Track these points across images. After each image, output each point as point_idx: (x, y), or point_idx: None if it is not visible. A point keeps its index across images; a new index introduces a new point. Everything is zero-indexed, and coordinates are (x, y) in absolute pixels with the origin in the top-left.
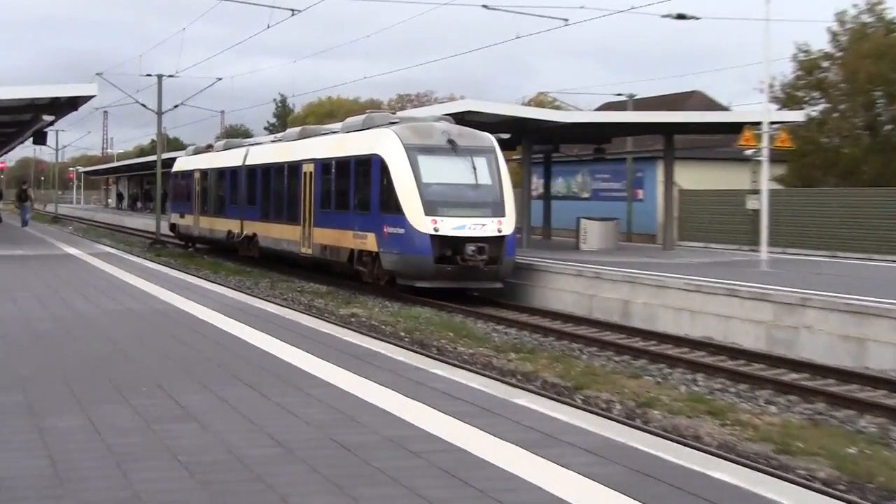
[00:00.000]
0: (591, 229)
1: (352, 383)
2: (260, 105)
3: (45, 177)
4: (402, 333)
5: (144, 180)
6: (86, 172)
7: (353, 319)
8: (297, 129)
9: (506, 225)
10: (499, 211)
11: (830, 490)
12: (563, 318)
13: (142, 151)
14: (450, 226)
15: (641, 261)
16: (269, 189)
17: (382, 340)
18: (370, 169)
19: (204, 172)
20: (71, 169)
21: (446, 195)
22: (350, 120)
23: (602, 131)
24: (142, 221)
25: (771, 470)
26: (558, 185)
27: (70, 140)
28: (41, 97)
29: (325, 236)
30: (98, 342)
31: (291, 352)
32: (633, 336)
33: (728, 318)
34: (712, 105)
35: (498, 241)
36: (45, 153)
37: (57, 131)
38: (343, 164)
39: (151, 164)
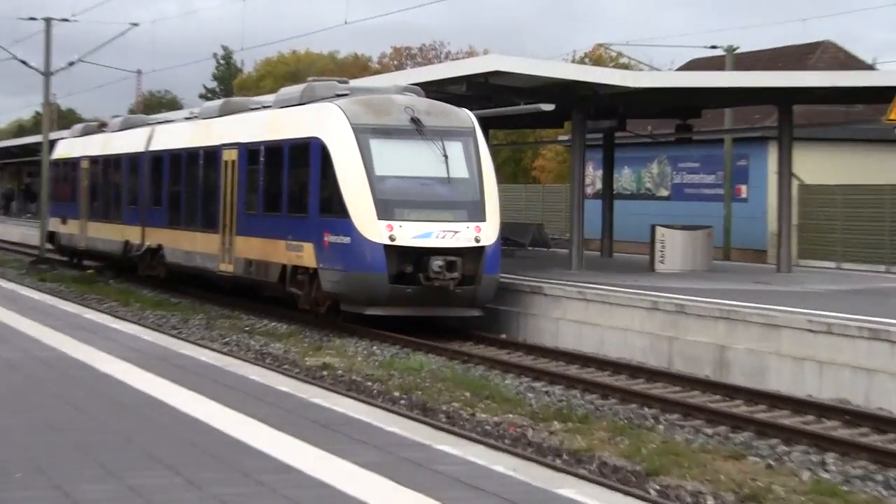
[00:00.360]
0: (673, 242)
1: (321, 466)
2: (194, 62)
3: None
4: (397, 393)
5: (24, 171)
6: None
7: (324, 373)
8: (217, 102)
9: (486, 232)
10: (477, 213)
11: None
12: (630, 371)
13: (20, 129)
14: (410, 233)
15: (745, 288)
16: (180, 184)
17: (367, 403)
18: (308, 157)
19: (94, 161)
20: None
21: (407, 192)
22: (285, 91)
23: (689, 100)
24: (19, 232)
25: None
26: (624, 178)
27: None
28: None
29: (251, 248)
30: None
31: (234, 419)
32: (732, 397)
33: (871, 372)
34: (849, 62)
35: (475, 253)
36: None
37: None
38: (274, 150)
39: (35, 149)
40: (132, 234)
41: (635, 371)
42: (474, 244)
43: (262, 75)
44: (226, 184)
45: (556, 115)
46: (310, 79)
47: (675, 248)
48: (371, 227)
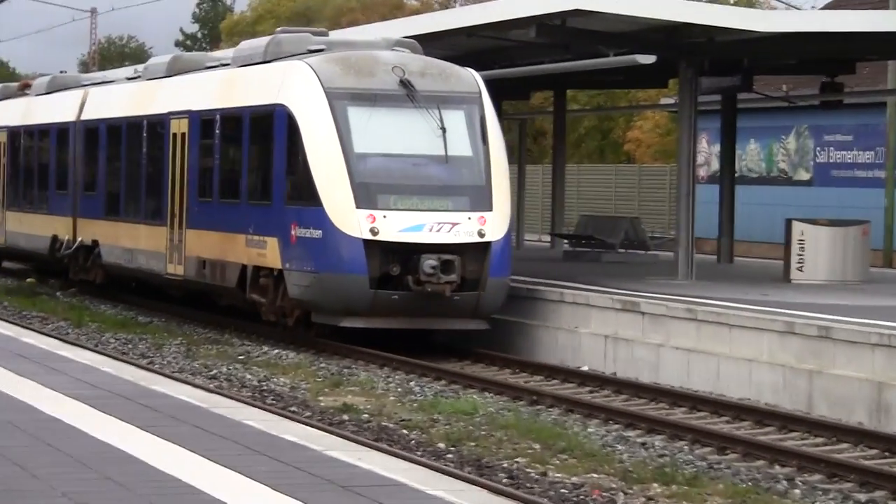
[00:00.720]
0: (815, 243)
1: None
2: None
3: None
4: (442, 444)
5: None
6: None
7: (345, 417)
8: (165, 58)
9: (493, 224)
10: (481, 201)
11: None
12: (756, 416)
13: None
14: (397, 225)
15: None
16: (120, 163)
17: (403, 458)
18: (272, 129)
19: (14, 133)
20: None
21: (393, 174)
22: (246, 44)
23: (839, 50)
24: None
25: None
26: (750, 155)
27: None
28: None
29: (205, 245)
30: None
31: (224, 479)
32: (893, 452)
33: None
34: None
35: (478, 250)
36: None
37: None
38: (231, 120)
39: None
40: (61, 227)
41: (763, 416)
42: (478, 239)
43: (258, 16)
44: (174, 163)
45: (657, 71)
46: (279, 29)
47: (818, 250)
48: (348, 217)
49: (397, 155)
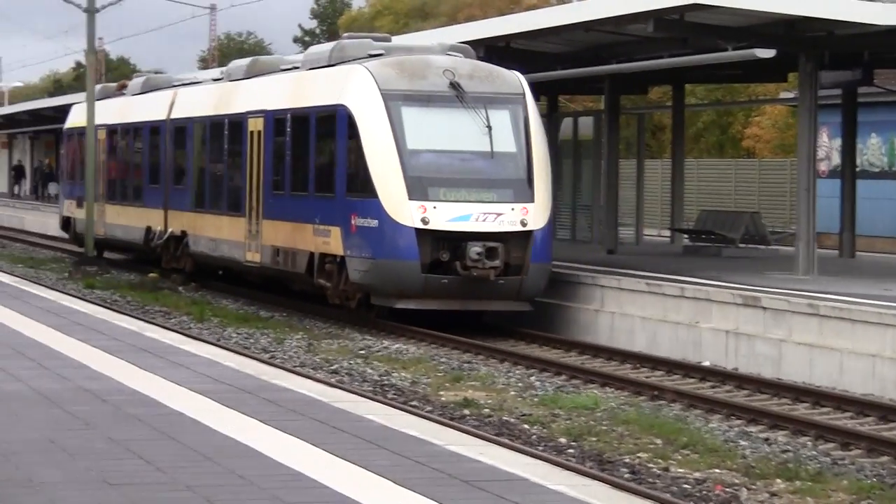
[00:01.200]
0: None
1: None
2: None
3: None
4: (563, 439)
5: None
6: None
7: (466, 412)
8: (246, 61)
9: (534, 214)
10: (524, 193)
11: None
12: (881, 412)
13: (58, 86)
14: (446, 215)
15: None
16: (205, 159)
17: (523, 453)
18: (334, 128)
19: (112, 131)
20: None
21: (443, 169)
22: (314, 49)
23: None
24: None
25: None
26: (871, 149)
27: None
28: None
29: (279, 234)
30: None
31: (345, 473)
32: None
33: None
34: None
35: (521, 238)
36: None
37: None
38: (300, 119)
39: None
40: (154, 218)
41: (887, 412)
42: (520, 228)
43: (377, 12)
44: (251, 159)
45: (776, 65)
46: (346, 35)
47: None
48: (401, 208)
49: (446, 151)
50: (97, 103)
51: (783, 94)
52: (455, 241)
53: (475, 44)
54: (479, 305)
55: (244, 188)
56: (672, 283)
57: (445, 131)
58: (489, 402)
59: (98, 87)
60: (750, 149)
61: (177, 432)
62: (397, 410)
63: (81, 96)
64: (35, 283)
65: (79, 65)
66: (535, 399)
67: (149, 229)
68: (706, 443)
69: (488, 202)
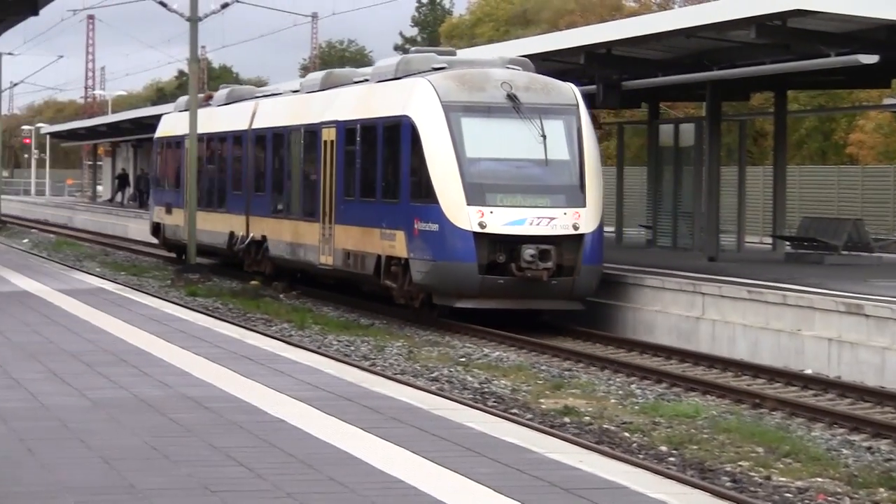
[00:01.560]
0: None
1: None
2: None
3: None
4: (664, 447)
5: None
6: (55, 135)
7: (566, 420)
8: (320, 74)
9: (586, 219)
10: (576, 199)
11: None
12: None
13: (160, 95)
14: (502, 220)
15: None
16: (283, 167)
17: (624, 461)
18: (399, 137)
19: (198, 140)
20: (27, 128)
21: (499, 176)
22: (382, 63)
23: None
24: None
25: None
26: None
27: (25, 72)
28: None
29: (349, 238)
30: (77, 466)
31: (445, 480)
32: None
33: None
34: None
35: (573, 241)
36: None
37: None
38: (369, 129)
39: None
40: (237, 224)
41: None
42: (572, 231)
43: (477, 19)
44: (324, 166)
45: (879, 70)
46: (414, 49)
47: None
48: (460, 213)
49: (503, 159)
50: (183, 114)
51: (887, 101)
52: (510, 243)
53: (575, 50)
54: (533, 305)
55: (318, 194)
56: (774, 291)
57: (502, 140)
58: (589, 409)
59: (184, 98)
60: (853, 155)
61: (277, 439)
62: (497, 418)
63: (170, 106)
64: (138, 290)
65: (181, 73)
66: (636, 407)
67: (232, 234)
68: (808, 451)
69: (542, 207)
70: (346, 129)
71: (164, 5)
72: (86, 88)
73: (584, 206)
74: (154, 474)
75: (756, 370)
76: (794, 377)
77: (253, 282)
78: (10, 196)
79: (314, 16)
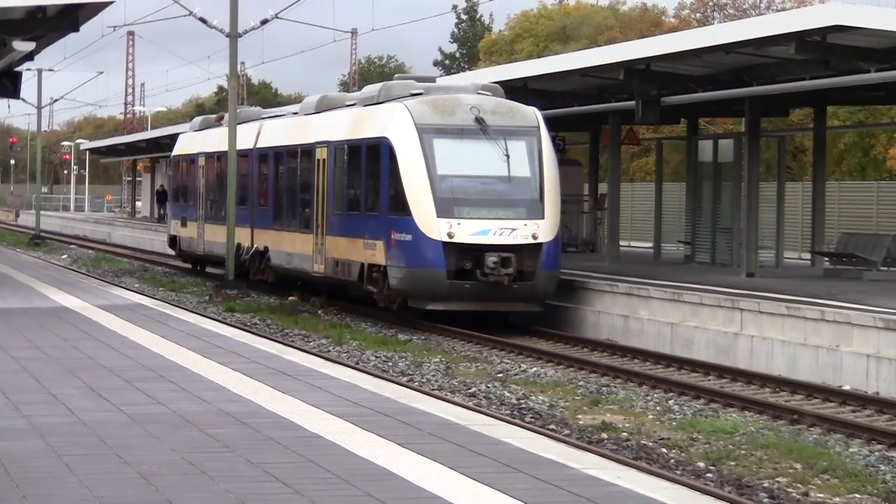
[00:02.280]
0: None
1: None
2: (427, 19)
3: (16, 159)
4: (702, 463)
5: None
6: (94, 150)
7: (604, 436)
8: (316, 97)
9: (544, 229)
10: (536, 212)
11: None
12: None
13: (200, 110)
14: (468, 230)
15: None
16: (282, 183)
17: (661, 477)
18: (379, 156)
19: (210, 157)
20: (66, 144)
21: (466, 191)
22: (368, 89)
23: None
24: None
25: None
26: None
27: (65, 88)
28: (11, 5)
29: (338, 248)
30: (115, 482)
31: (483, 497)
32: None
33: None
34: None
35: (532, 249)
36: (16, 113)
37: (39, 71)
38: (354, 149)
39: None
40: (243, 235)
41: None
42: (531, 241)
43: (516, 35)
44: (318, 183)
45: None
46: (397, 76)
47: None
48: (431, 224)
49: (470, 176)
50: (198, 133)
51: None
52: (476, 252)
53: (615, 66)
54: (496, 307)
55: (312, 209)
56: (812, 307)
57: (470, 159)
58: (627, 425)
59: (199, 118)
60: (893, 170)
61: (315, 455)
62: (535, 434)
63: (185, 126)
64: (176, 306)
65: (221, 89)
66: (674, 423)
67: (239, 245)
68: (846, 467)
69: (504, 219)
70: (336, 149)
71: (205, 21)
72: (125, 104)
73: (542, 217)
74: (192, 490)
75: (794, 386)
76: (833, 393)
77: (291, 297)
78: (49, 212)
79: (354, 31)
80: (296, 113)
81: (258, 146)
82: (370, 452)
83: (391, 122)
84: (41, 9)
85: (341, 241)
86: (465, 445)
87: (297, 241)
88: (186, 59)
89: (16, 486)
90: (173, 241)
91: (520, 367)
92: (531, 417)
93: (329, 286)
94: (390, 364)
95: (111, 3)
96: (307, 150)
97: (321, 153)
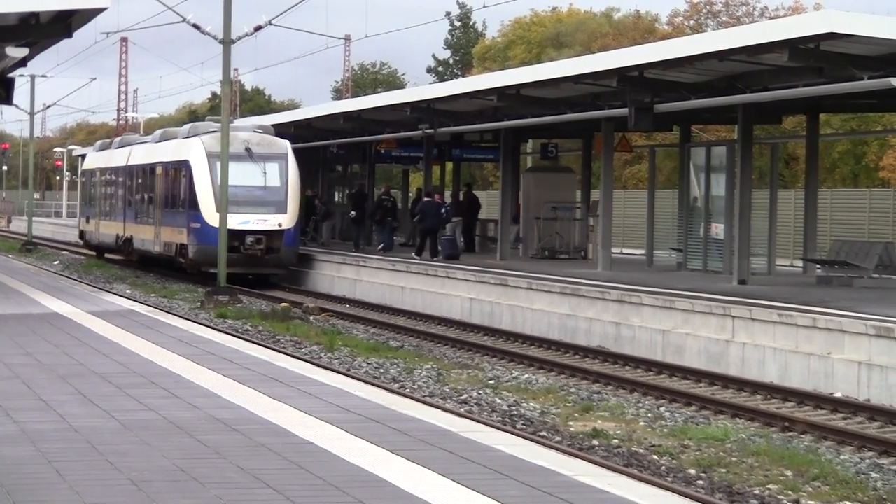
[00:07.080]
0: None
1: None
2: (420, 25)
3: (8, 165)
4: (692, 470)
5: None
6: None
7: (595, 443)
8: (159, 132)
9: (286, 220)
10: (281, 209)
11: None
12: None
13: (193, 117)
14: (236, 221)
15: None
16: (140, 190)
17: (652, 484)
18: (182, 172)
19: (103, 172)
20: (59, 150)
21: (237, 196)
22: (184, 127)
23: None
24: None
25: None
26: None
27: (58, 94)
28: (4, 11)
29: (166, 234)
30: (106, 488)
31: None
32: None
33: None
34: None
35: (278, 234)
36: (9, 119)
37: (32, 77)
38: (173, 166)
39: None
40: (119, 228)
41: None
42: (277, 228)
43: (510, 42)
44: (157, 190)
45: None
46: (208, 118)
47: None
48: (213, 217)
49: (239, 185)
50: (98, 153)
51: None
52: (240, 235)
53: (608, 73)
54: (255, 270)
55: (154, 207)
56: (804, 314)
57: (240, 175)
58: (618, 432)
59: (98, 142)
60: (885, 178)
61: (306, 462)
62: (526, 441)
63: (90, 148)
64: (168, 312)
65: (214, 95)
66: (665, 430)
67: (118, 236)
68: (837, 475)
69: (260, 214)
70: (165, 167)
71: (198, 28)
72: (118, 111)
73: (285, 213)
74: (183, 497)
75: (786, 393)
76: (824, 400)
77: (283, 304)
78: (41, 218)
79: (347, 38)
80: (148, 141)
81: (129, 164)
82: (361, 459)
83: (191, 150)
84: (34, 15)
85: (166, 229)
86: (457, 452)
87: (147, 230)
88: (180, 65)
89: (7, 493)
90: (82, 234)
91: (511, 373)
92: (522, 424)
93: (163, 261)
94: (382, 371)
95: (105, 9)
96: (152, 168)
97: (159, 170)
